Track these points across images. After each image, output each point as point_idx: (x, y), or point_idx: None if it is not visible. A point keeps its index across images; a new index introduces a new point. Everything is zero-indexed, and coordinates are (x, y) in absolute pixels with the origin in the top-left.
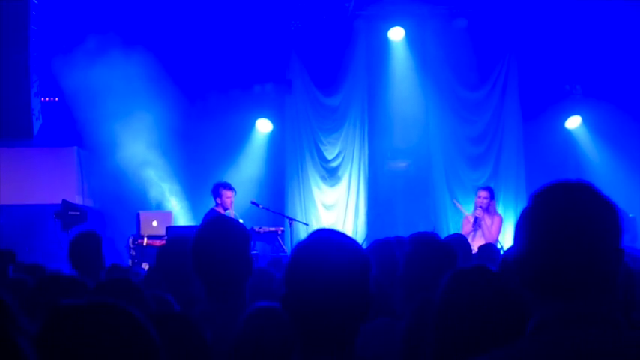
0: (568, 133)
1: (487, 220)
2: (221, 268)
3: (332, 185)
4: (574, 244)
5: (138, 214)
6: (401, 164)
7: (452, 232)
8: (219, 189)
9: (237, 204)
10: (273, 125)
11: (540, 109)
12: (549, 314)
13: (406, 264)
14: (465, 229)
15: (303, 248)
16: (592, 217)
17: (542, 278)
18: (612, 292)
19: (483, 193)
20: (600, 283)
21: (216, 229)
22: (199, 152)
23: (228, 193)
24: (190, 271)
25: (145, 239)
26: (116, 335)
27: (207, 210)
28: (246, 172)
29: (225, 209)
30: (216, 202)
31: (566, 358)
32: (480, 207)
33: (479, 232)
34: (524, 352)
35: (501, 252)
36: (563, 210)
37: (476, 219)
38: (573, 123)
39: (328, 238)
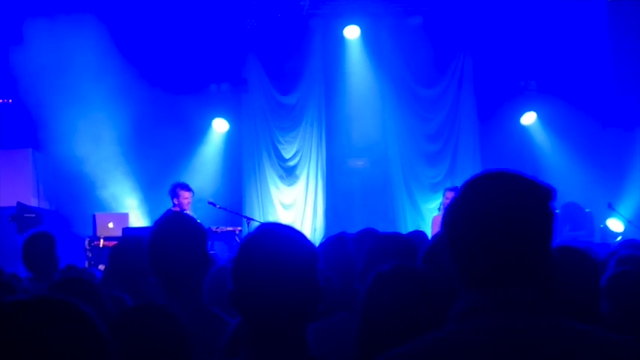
0: (523, 129)
1: None
2: (178, 264)
3: (290, 184)
4: (494, 234)
5: (94, 216)
6: (358, 162)
7: (410, 228)
8: (177, 189)
9: (195, 204)
10: (230, 125)
11: (496, 106)
12: (470, 302)
13: (366, 259)
14: (435, 229)
15: (249, 242)
16: (515, 207)
17: (465, 267)
18: (538, 279)
19: (450, 194)
20: (523, 271)
21: (172, 225)
22: (156, 152)
23: (186, 194)
24: (143, 270)
25: (102, 241)
26: (60, 330)
27: (164, 211)
28: (203, 172)
29: (182, 210)
30: (174, 203)
31: (485, 345)
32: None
33: None
34: (444, 339)
35: None
36: (485, 200)
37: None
38: (528, 119)
39: (274, 231)
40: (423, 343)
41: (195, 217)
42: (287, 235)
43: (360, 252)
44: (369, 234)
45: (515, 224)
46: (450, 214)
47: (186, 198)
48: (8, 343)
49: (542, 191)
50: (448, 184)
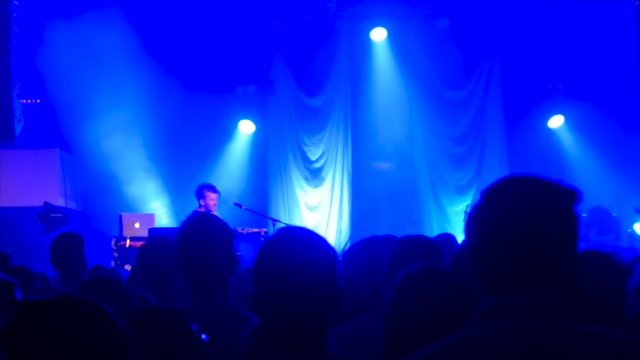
0: (551, 132)
1: None
2: (205, 265)
3: (315, 186)
4: (516, 238)
5: (120, 216)
6: (384, 164)
7: (436, 231)
8: (203, 190)
9: (220, 204)
10: (256, 126)
11: (523, 109)
12: (490, 306)
13: (391, 262)
14: None
15: (269, 246)
16: (537, 211)
17: (487, 272)
18: (559, 284)
19: None
20: (546, 275)
21: (200, 226)
22: (182, 153)
23: (212, 195)
24: (171, 270)
25: (128, 241)
26: (82, 328)
27: (190, 211)
28: (229, 173)
29: (209, 211)
30: (200, 204)
31: (504, 347)
32: None
33: None
34: (463, 342)
35: None
36: (507, 204)
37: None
38: (556, 122)
39: (294, 234)
40: (441, 345)
41: (220, 218)
42: (307, 238)
43: (385, 256)
44: (391, 239)
45: (538, 228)
46: (472, 218)
47: (213, 199)
48: (32, 340)
49: (566, 194)
50: (474, 187)
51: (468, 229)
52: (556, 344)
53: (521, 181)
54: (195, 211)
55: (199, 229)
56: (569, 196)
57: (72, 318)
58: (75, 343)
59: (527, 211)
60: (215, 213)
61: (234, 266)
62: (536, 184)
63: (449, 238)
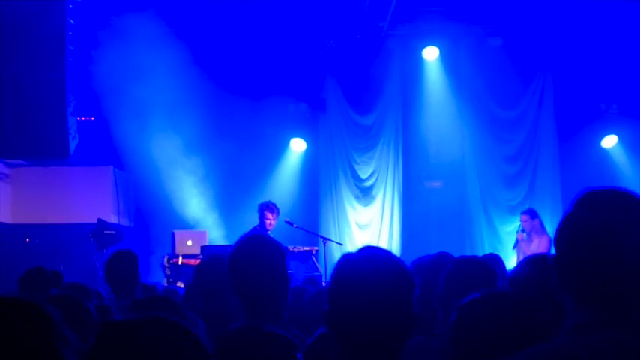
0: (604, 152)
1: (535, 241)
2: (258, 285)
3: (366, 205)
4: (613, 253)
5: (173, 233)
6: (435, 183)
7: (487, 251)
8: (262, 209)
9: None
10: (308, 144)
11: (576, 128)
12: (585, 317)
13: (445, 282)
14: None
15: (348, 264)
16: (629, 226)
17: (581, 283)
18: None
19: (523, 217)
20: (637, 290)
21: (251, 246)
22: (234, 171)
23: (269, 215)
24: (228, 289)
25: (180, 258)
26: (168, 349)
27: (241, 228)
28: (280, 191)
29: (264, 230)
30: (260, 221)
31: (594, 358)
32: (523, 230)
33: (521, 253)
34: (556, 350)
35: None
36: (598, 219)
37: (516, 240)
38: (609, 142)
39: (373, 255)
40: (535, 353)
41: (272, 237)
42: (386, 260)
43: (438, 275)
44: (445, 257)
45: (630, 243)
46: (562, 231)
47: (269, 219)
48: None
49: None
50: (527, 207)
51: (557, 241)
52: None
53: (611, 195)
54: (253, 229)
55: (250, 250)
56: None
57: (158, 338)
58: None
59: (619, 225)
60: (270, 232)
61: (287, 287)
62: (627, 198)
63: (496, 258)
